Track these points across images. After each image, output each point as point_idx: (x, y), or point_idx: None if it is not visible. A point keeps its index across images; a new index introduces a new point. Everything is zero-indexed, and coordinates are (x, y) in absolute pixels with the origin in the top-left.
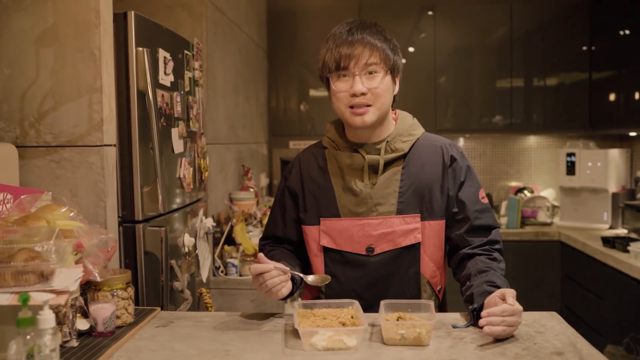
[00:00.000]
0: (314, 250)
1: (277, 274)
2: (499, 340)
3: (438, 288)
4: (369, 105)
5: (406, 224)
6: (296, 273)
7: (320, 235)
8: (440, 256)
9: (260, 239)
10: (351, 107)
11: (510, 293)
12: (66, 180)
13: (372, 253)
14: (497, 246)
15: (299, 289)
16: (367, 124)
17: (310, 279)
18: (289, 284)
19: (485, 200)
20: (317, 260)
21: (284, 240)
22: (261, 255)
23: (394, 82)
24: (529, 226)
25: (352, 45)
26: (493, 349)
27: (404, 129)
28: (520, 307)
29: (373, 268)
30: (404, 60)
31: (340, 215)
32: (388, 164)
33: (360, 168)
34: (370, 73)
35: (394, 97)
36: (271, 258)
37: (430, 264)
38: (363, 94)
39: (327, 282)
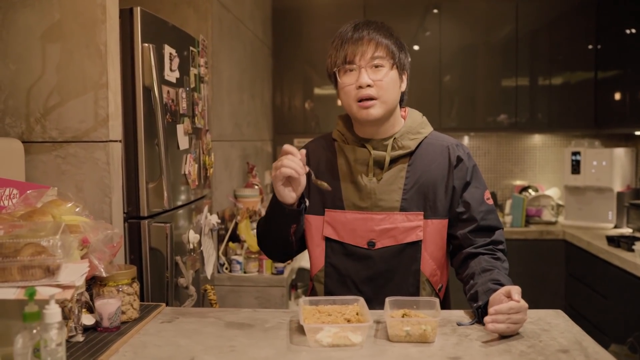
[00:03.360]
0: (315, 240)
1: (301, 162)
2: (503, 337)
3: (438, 287)
4: (374, 99)
5: (409, 221)
6: (310, 170)
7: (324, 226)
8: (442, 255)
9: (259, 221)
10: (359, 101)
11: (515, 290)
12: (72, 176)
13: (373, 247)
14: (500, 246)
15: (301, 216)
16: (374, 117)
17: (320, 182)
18: (296, 192)
19: (491, 202)
20: (318, 250)
21: None
22: (303, 151)
23: (401, 79)
24: (534, 225)
25: (358, 41)
26: (498, 346)
27: (413, 126)
28: (526, 305)
29: (373, 262)
30: (409, 59)
31: (344, 208)
32: (394, 161)
33: (366, 163)
34: (376, 67)
35: (403, 94)
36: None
37: (430, 263)
38: (369, 85)
39: (327, 189)
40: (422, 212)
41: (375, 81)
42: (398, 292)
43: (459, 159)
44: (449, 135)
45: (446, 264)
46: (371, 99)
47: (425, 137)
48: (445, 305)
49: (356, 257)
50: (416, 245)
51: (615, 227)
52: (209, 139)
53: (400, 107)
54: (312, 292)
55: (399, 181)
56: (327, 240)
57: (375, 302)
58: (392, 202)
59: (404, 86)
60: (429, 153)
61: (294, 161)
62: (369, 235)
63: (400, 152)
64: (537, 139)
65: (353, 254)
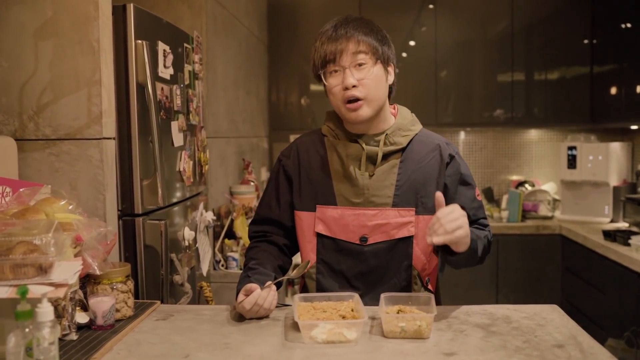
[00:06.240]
0: (307, 237)
1: (267, 293)
2: (493, 327)
3: (426, 280)
4: (361, 100)
5: (401, 217)
6: (278, 280)
7: (316, 222)
8: (431, 250)
9: (252, 223)
10: (346, 102)
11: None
12: (65, 174)
13: (365, 243)
14: (486, 223)
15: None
16: (363, 118)
17: (292, 274)
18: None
19: (480, 198)
20: (309, 247)
21: (276, 223)
22: (248, 286)
23: (386, 72)
24: (530, 220)
25: (337, 40)
26: (493, 342)
27: (404, 124)
28: (456, 207)
29: (365, 257)
30: (404, 54)
31: (336, 204)
32: (386, 157)
33: (359, 158)
34: (360, 65)
35: (391, 87)
36: (249, 261)
37: (421, 257)
38: (354, 86)
39: (308, 266)
40: (414, 208)
41: (359, 80)
42: (390, 288)
43: (451, 157)
44: (443, 131)
45: (434, 257)
46: (357, 99)
47: (416, 134)
48: (436, 298)
49: (348, 252)
50: (408, 240)
51: (612, 221)
52: (203, 135)
53: (389, 98)
54: (303, 289)
55: (392, 177)
56: (319, 236)
57: (367, 298)
58: (384, 198)
59: (390, 79)
60: (420, 150)
61: (265, 296)
62: (361, 231)
63: (392, 147)
64: (533, 133)
65: (345, 250)
